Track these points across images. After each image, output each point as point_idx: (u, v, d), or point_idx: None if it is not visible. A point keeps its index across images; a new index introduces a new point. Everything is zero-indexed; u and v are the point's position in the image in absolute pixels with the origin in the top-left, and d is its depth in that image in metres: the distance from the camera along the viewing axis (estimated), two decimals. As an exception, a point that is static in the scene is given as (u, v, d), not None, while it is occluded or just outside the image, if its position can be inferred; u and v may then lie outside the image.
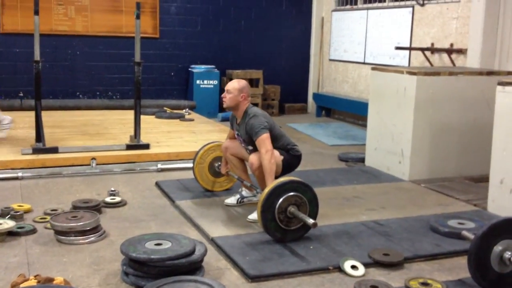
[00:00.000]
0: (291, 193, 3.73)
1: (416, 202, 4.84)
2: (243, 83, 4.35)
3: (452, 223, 4.08)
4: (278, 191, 3.71)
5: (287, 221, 3.73)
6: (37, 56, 5.87)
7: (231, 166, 4.64)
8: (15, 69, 8.81)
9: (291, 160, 4.35)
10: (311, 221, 3.63)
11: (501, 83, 4.57)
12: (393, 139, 5.74)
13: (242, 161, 4.58)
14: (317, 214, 3.85)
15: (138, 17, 6.17)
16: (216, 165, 4.86)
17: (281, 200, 3.69)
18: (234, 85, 4.30)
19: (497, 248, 3.02)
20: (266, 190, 3.73)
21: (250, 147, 4.29)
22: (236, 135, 4.49)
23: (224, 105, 4.36)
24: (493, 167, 4.62)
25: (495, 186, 4.58)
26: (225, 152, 4.59)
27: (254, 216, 4.19)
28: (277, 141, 4.27)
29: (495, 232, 3.03)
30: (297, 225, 3.76)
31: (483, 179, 5.25)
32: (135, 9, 6.19)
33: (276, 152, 4.23)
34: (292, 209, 3.71)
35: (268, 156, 4.04)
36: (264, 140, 4.09)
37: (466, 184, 5.43)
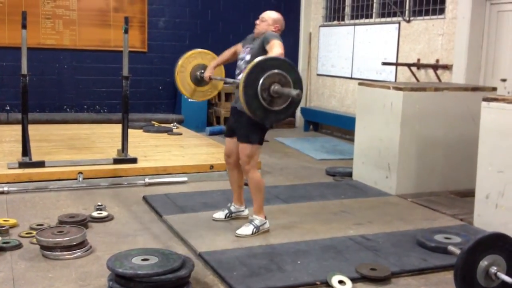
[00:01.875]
0: (276, 71, 3.58)
1: (403, 217, 4.86)
2: (280, 17, 4.24)
3: (439, 237, 4.10)
4: (261, 66, 3.56)
5: (270, 100, 3.60)
6: (24, 69, 5.84)
7: (230, 180, 4.59)
8: (1, 82, 8.77)
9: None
10: (294, 91, 3.51)
11: (486, 99, 4.62)
12: (380, 153, 5.77)
13: (241, 175, 4.48)
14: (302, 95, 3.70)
15: (126, 31, 6.17)
16: (198, 73, 4.73)
17: (265, 75, 3.54)
18: (271, 15, 4.22)
19: (483, 263, 3.04)
20: (250, 65, 3.58)
21: (248, 57, 4.14)
22: (243, 48, 4.32)
23: (255, 32, 4.24)
24: (478, 182, 4.66)
25: (481, 201, 4.62)
26: (227, 160, 4.49)
27: (242, 231, 4.19)
28: None
29: (481, 247, 3.05)
30: (280, 106, 3.64)
31: (469, 194, 5.28)
32: (124, 23, 6.21)
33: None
34: (276, 87, 3.57)
35: (278, 53, 3.85)
36: (279, 45, 3.93)
37: (452, 199, 5.47)
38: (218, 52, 4.69)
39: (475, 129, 4.89)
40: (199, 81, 4.75)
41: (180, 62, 4.73)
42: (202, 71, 4.70)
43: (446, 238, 4.10)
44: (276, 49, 3.92)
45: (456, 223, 4.73)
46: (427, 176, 5.66)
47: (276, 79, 3.58)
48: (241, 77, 3.68)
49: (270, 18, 4.22)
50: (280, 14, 4.31)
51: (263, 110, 3.62)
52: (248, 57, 4.19)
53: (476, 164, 4.69)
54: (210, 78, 4.63)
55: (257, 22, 4.27)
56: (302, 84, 3.71)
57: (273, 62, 3.63)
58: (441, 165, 5.70)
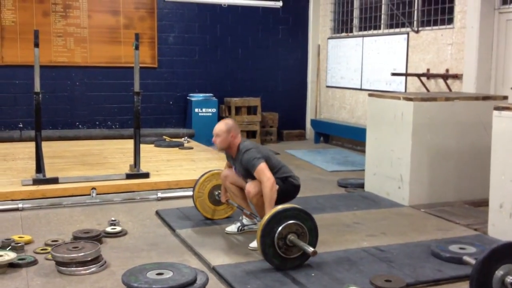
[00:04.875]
0: (292, 221, 3.72)
1: (417, 228, 4.84)
2: (230, 123, 4.33)
3: (453, 248, 4.08)
4: (279, 217, 3.71)
5: (285, 248, 3.71)
6: (37, 87, 5.92)
7: (231, 195, 4.65)
8: (15, 100, 8.88)
9: (287, 189, 4.32)
10: (310, 249, 3.62)
11: (497, 108, 4.61)
12: (391, 164, 5.76)
13: (242, 189, 4.57)
14: (317, 243, 3.84)
15: (137, 47, 6.24)
16: (216, 193, 4.87)
17: (281, 227, 3.69)
18: (222, 127, 4.28)
19: (499, 272, 3.02)
20: (267, 216, 3.72)
21: (249, 180, 4.29)
22: (234, 169, 4.51)
23: (217, 149, 4.37)
24: (492, 192, 4.64)
25: (495, 210, 4.59)
26: (225, 181, 4.60)
27: (255, 244, 4.18)
28: (275, 172, 4.25)
29: (496, 257, 3.03)
30: (296, 254, 3.75)
31: (483, 203, 5.26)
32: (134, 40, 6.28)
33: None
34: (292, 237, 3.70)
35: (269, 183, 4.04)
36: (263, 170, 4.10)
37: (466, 209, 5.43)
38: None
39: (487, 138, 4.87)
40: (218, 201, 4.90)
41: (196, 188, 4.87)
42: (219, 191, 4.85)
43: (461, 248, 4.08)
44: (264, 179, 4.06)
45: (471, 233, 4.70)
46: (440, 186, 5.64)
47: (293, 229, 3.73)
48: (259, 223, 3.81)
49: (222, 131, 4.27)
50: (229, 121, 4.35)
51: (279, 259, 3.73)
52: (249, 180, 4.29)
53: (489, 173, 4.67)
54: (227, 202, 4.78)
55: (214, 139, 4.35)
56: (317, 231, 3.85)
57: (290, 213, 3.75)
58: (454, 174, 5.68)
